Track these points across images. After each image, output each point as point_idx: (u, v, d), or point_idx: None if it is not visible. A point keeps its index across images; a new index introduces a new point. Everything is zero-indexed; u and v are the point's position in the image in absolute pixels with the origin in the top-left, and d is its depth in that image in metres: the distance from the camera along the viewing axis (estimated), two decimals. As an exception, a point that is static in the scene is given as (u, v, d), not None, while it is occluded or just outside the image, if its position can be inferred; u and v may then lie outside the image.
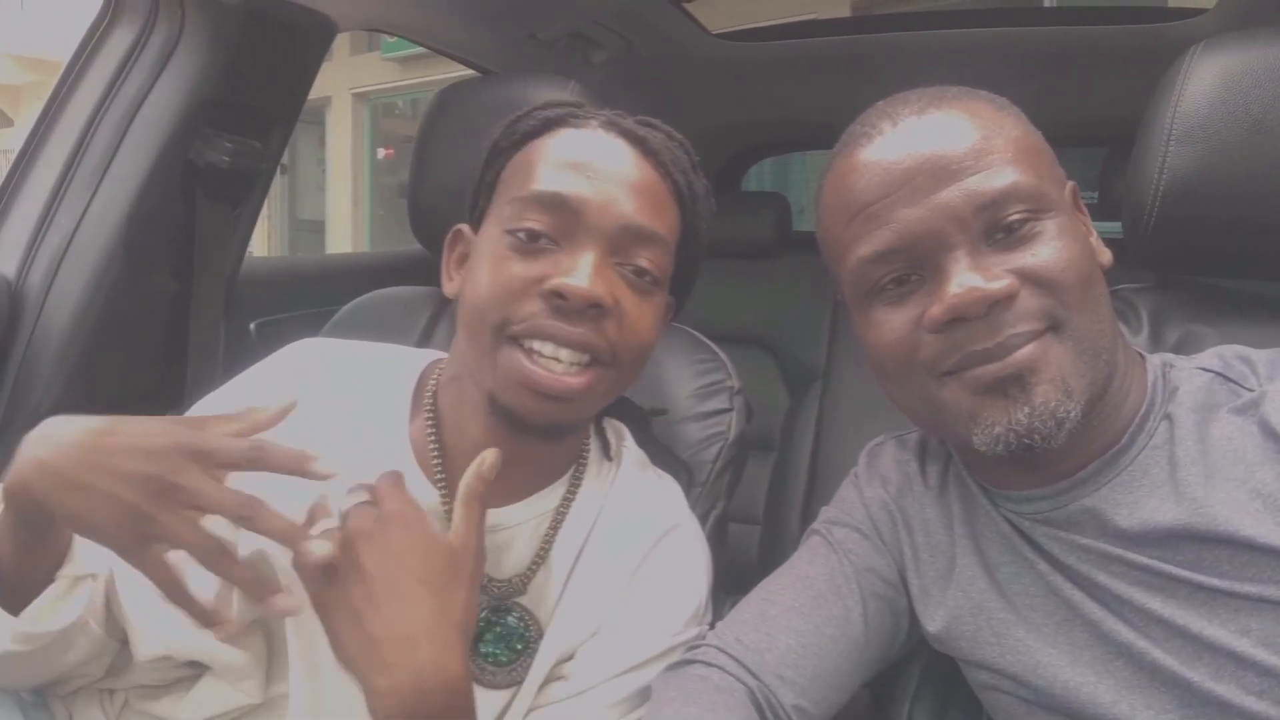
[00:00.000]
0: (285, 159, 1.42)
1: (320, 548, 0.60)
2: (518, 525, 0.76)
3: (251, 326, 1.36)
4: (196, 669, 0.75)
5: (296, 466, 0.60)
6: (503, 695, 0.74)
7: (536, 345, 0.68)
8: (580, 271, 0.67)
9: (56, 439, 0.60)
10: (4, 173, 1.14)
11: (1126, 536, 0.66)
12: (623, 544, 0.77)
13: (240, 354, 1.21)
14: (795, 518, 1.79)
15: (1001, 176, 0.64)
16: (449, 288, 0.79)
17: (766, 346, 2.04)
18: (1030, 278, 0.63)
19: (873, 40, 1.88)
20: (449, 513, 0.74)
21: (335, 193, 11.41)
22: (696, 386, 1.01)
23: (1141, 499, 0.66)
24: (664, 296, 0.76)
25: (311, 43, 1.29)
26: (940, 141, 0.65)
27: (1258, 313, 0.87)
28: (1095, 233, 0.71)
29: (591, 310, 0.67)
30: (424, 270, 1.12)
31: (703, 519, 0.90)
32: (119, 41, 1.14)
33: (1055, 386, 0.63)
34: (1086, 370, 0.64)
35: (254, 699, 0.75)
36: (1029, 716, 0.73)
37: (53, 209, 1.10)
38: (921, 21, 1.88)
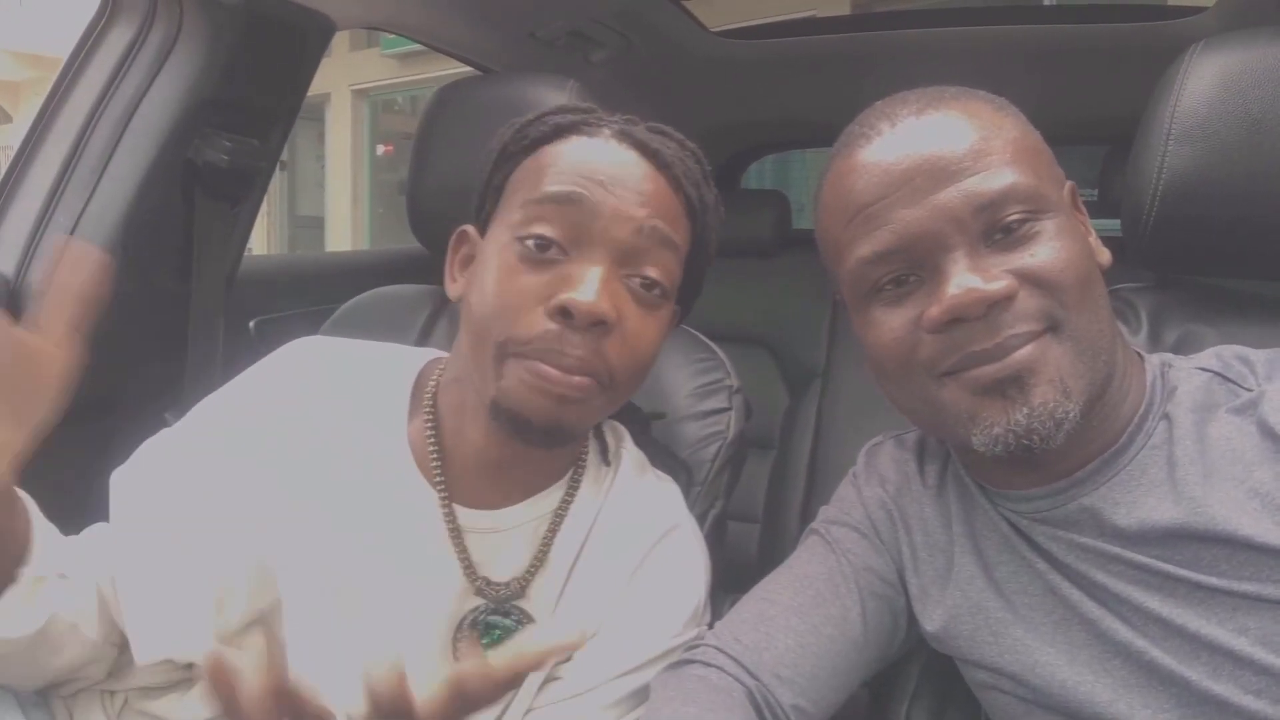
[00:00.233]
0: (284, 156, 1.42)
1: None
2: (516, 527, 0.76)
3: (251, 324, 1.36)
4: (197, 670, 0.75)
5: None
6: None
7: (541, 369, 0.67)
8: (587, 285, 0.66)
9: None
10: (3, 170, 1.14)
11: (1125, 535, 0.67)
12: (622, 546, 0.77)
13: (240, 352, 1.21)
14: (794, 517, 1.79)
15: (1000, 177, 0.64)
16: (452, 289, 0.78)
17: (766, 345, 2.04)
18: (1029, 278, 0.63)
19: (872, 38, 1.88)
20: (448, 514, 0.74)
21: (334, 189, 11.40)
22: (695, 385, 1.01)
23: (1140, 498, 0.67)
24: (670, 308, 0.76)
25: (310, 41, 1.28)
26: (939, 142, 0.65)
27: (1257, 313, 0.87)
28: (1094, 233, 0.71)
29: (596, 327, 0.67)
30: (423, 268, 1.13)
31: (701, 518, 0.90)
32: (117, 39, 1.14)
33: (1054, 387, 0.63)
34: (1085, 371, 0.64)
35: None
36: (1027, 715, 0.73)
37: (51, 207, 1.10)
38: (921, 19, 1.88)
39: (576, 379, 0.68)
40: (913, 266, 0.66)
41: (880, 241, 0.66)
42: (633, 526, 0.78)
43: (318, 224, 11.72)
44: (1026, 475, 0.71)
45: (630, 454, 0.84)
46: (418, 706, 0.51)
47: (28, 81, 11.45)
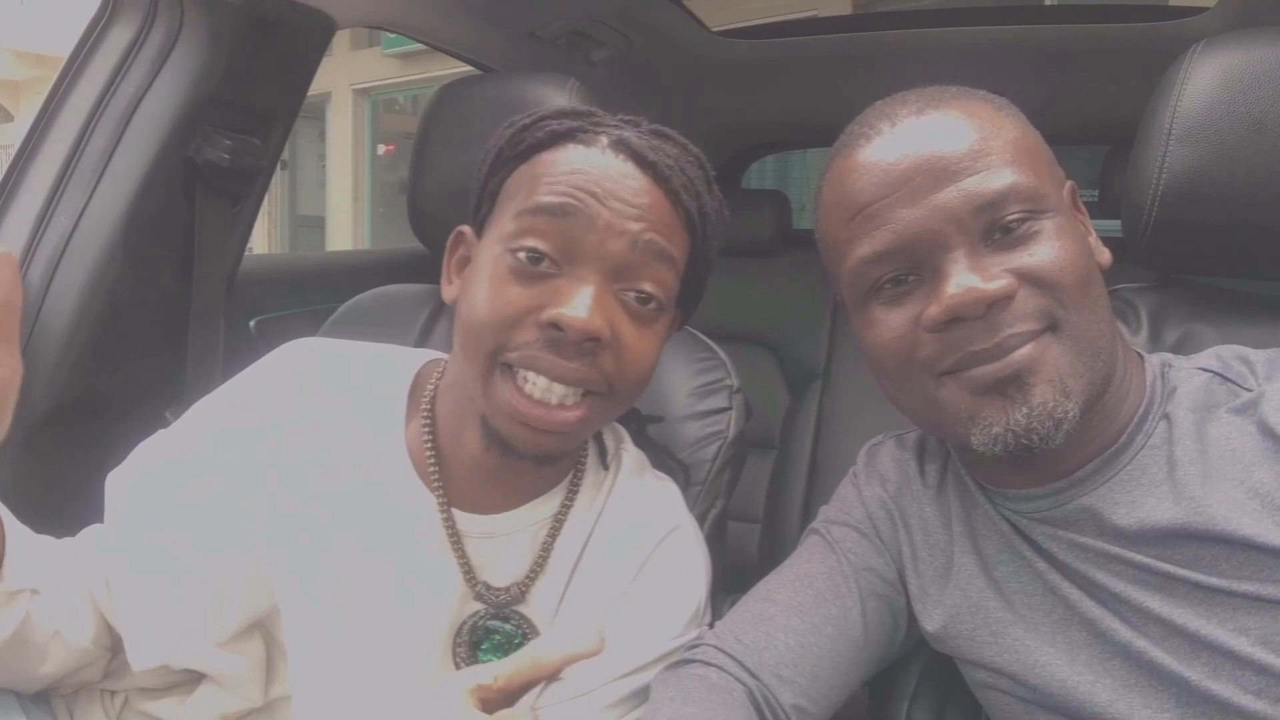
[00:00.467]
0: (285, 155, 1.42)
1: None
2: (515, 532, 0.76)
3: (251, 324, 1.36)
4: (197, 673, 0.75)
5: None
6: None
7: (531, 377, 0.67)
8: (579, 303, 0.65)
9: None
10: (4, 169, 1.14)
11: (1125, 535, 0.67)
12: (622, 548, 0.77)
13: (240, 351, 1.21)
14: (795, 516, 1.79)
15: (1000, 177, 0.64)
16: (448, 292, 0.78)
17: (766, 345, 2.04)
18: (1028, 278, 0.63)
19: (872, 38, 1.88)
20: (446, 519, 0.74)
21: (335, 189, 11.39)
22: (696, 385, 1.01)
23: (1140, 498, 0.67)
24: (668, 320, 0.75)
25: (311, 40, 1.28)
26: (938, 142, 0.65)
27: (1257, 313, 0.87)
28: (1094, 232, 0.72)
29: (589, 344, 0.66)
30: (423, 267, 1.12)
31: (701, 518, 0.90)
32: (118, 38, 1.14)
33: (1053, 387, 0.63)
34: (1084, 370, 0.64)
35: (254, 703, 0.75)
36: (1027, 715, 0.73)
37: (52, 206, 1.10)
38: (922, 20, 1.88)
39: (559, 416, 0.67)
40: (912, 266, 0.66)
41: (880, 241, 0.66)
42: (633, 529, 0.78)
43: (318, 223, 11.72)
44: (1026, 475, 0.71)
45: (630, 455, 0.84)
46: None
47: (29, 80, 11.45)
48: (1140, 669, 0.66)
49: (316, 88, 1.37)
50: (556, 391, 0.67)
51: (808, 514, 1.79)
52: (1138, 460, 0.68)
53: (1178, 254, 0.88)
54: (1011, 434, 0.63)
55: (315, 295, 1.46)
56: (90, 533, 0.77)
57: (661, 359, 0.75)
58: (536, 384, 0.67)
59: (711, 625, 0.79)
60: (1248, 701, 0.61)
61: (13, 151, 1.14)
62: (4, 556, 0.67)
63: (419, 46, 1.70)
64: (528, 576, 0.76)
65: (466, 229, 0.78)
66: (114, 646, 0.76)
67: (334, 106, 11.19)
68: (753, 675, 0.72)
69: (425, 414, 0.76)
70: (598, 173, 0.69)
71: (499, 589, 0.75)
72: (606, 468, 0.82)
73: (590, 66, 1.75)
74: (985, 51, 1.80)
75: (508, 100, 1.05)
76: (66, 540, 0.76)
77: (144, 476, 0.74)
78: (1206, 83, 0.81)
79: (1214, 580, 0.63)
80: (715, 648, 0.73)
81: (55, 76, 1.15)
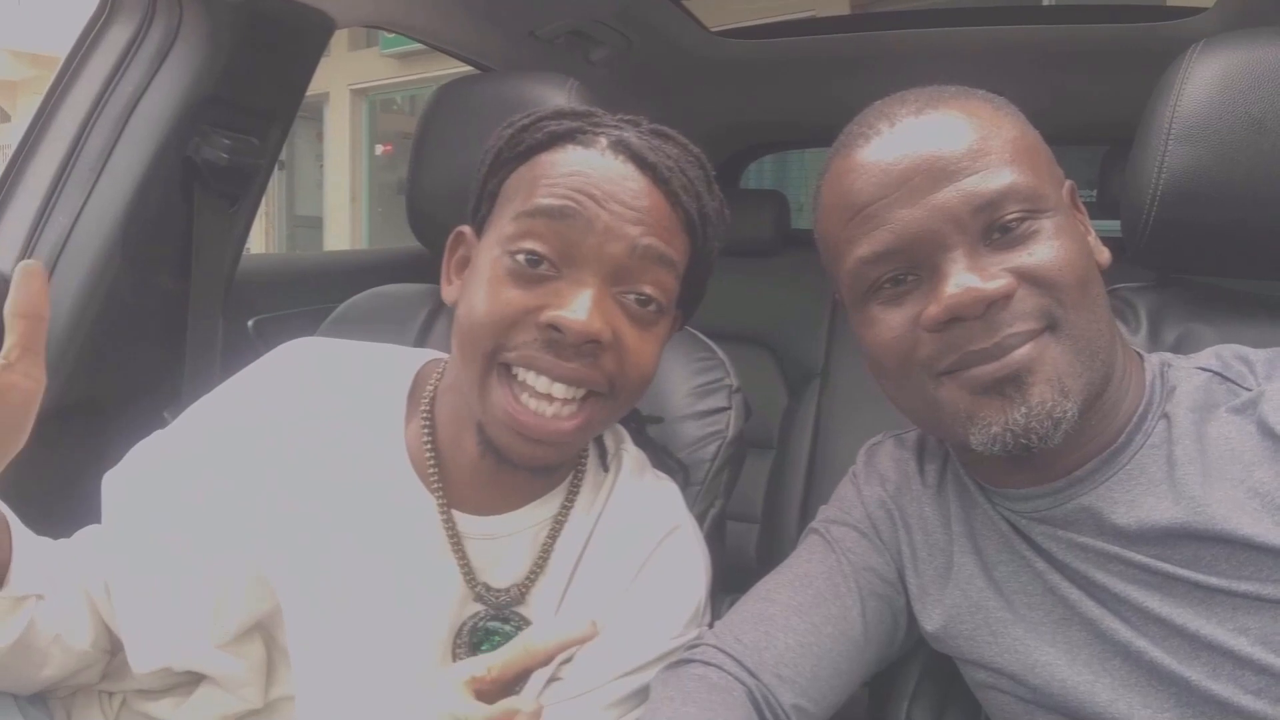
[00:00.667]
0: (283, 155, 1.41)
1: None
2: (515, 533, 0.76)
3: (249, 324, 1.36)
4: (196, 675, 0.75)
5: None
6: None
7: (530, 379, 0.66)
8: (578, 305, 0.65)
9: None
10: (2, 169, 1.14)
11: (1124, 535, 0.67)
12: (622, 549, 0.77)
13: (238, 351, 1.21)
14: (793, 516, 1.79)
15: (999, 177, 0.63)
16: (447, 293, 0.77)
17: (765, 344, 2.04)
18: (1028, 277, 0.63)
19: (871, 38, 1.88)
20: (446, 520, 0.74)
21: (333, 189, 11.39)
22: (695, 385, 1.01)
23: (1139, 497, 0.67)
24: (668, 321, 0.74)
25: (309, 39, 1.28)
26: (937, 142, 0.65)
27: (1256, 312, 0.87)
28: (1094, 232, 0.72)
29: (588, 346, 0.66)
30: (422, 267, 1.12)
31: (700, 517, 0.90)
32: (116, 37, 1.14)
33: (1052, 386, 0.63)
34: (1083, 370, 0.64)
35: (254, 704, 0.75)
36: (1027, 715, 0.73)
37: (50, 206, 1.09)
38: (920, 20, 1.88)
39: (554, 425, 0.67)
40: (911, 266, 0.66)
41: (879, 241, 0.66)
42: (633, 529, 0.78)
43: (316, 224, 11.72)
44: (1025, 474, 0.71)
45: (630, 455, 0.84)
46: None
47: (26, 80, 11.43)
48: (1140, 669, 0.66)
49: (314, 88, 1.37)
50: (557, 391, 0.67)
51: (806, 514, 1.79)
52: (1137, 460, 0.68)
53: (1177, 254, 0.88)
54: (1010, 433, 0.63)
55: (313, 295, 1.46)
56: (87, 534, 0.77)
57: (661, 359, 0.75)
58: (536, 384, 0.67)
59: (711, 625, 0.78)
60: (1247, 701, 0.61)
61: (10, 151, 1.14)
62: (10, 562, 0.67)
63: (417, 46, 1.70)
64: (528, 578, 0.76)
65: (466, 229, 0.78)
66: (113, 649, 0.76)
67: (332, 106, 11.19)
68: (753, 675, 0.71)
69: (425, 415, 0.76)
70: (597, 174, 0.68)
71: (499, 590, 0.75)
72: (607, 469, 0.82)
73: (589, 66, 1.75)
74: (984, 51, 1.80)
75: (507, 100, 1.05)
76: (63, 542, 0.76)
77: (141, 477, 0.73)
78: (1206, 83, 0.81)
79: (1213, 580, 0.63)
80: (715, 647, 0.73)
81: (53, 76, 1.14)
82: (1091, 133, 2.02)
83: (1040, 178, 0.66)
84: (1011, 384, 0.63)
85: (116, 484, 0.74)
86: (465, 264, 0.76)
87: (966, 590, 0.75)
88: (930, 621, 0.77)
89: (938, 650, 0.80)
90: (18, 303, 0.55)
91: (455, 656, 0.75)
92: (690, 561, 0.79)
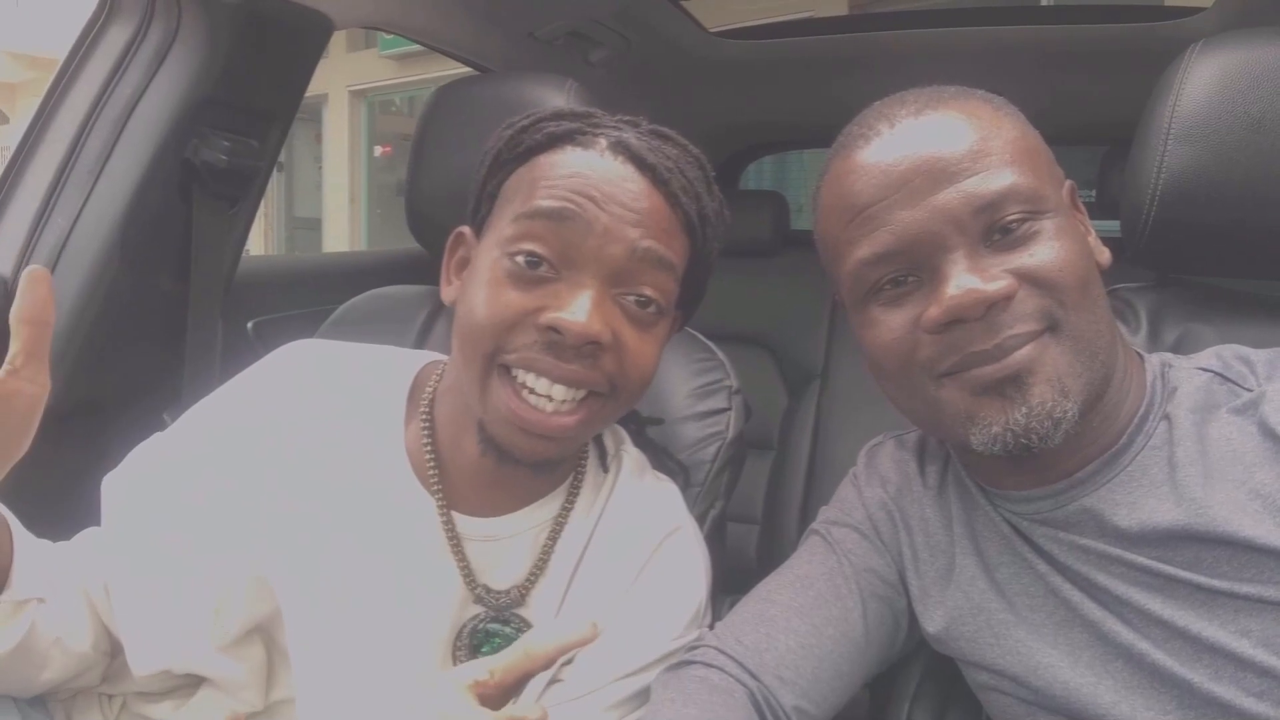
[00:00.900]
0: (282, 157, 1.41)
1: None
2: (515, 535, 0.76)
3: (249, 325, 1.36)
4: (196, 678, 0.75)
5: None
6: None
7: (530, 380, 0.66)
8: (578, 307, 0.65)
9: None
10: (1, 170, 1.14)
11: (1126, 537, 0.66)
12: (622, 550, 0.77)
13: (238, 353, 1.21)
14: (794, 517, 1.79)
15: (999, 178, 0.63)
16: (447, 293, 0.77)
17: (765, 345, 2.04)
18: (1028, 278, 0.63)
19: (870, 38, 1.88)
20: (446, 522, 0.74)
21: (332, 190, 11.39)
22: (695, 386, 1.01)
23: (1140, 499, 0.66)
24: (668, 322, 0.74)
25: (308, 40, 1.28)
26: (937, 143, 0.65)
27: (1256, 312, 0.87)
28: (1094, 232, 0.71)
29: (588, 347, 0.66)
30: (421, 268, 1.12)
31: (701, 518, 0.90)
32: (115, 39, 1.14)
33: (1052, 387, 0.63)
34: (1084, 370, 0.64)
35: (254, 707, 0.75)
36: (1029, 717, 0.73)
37: (49, 208, 1.09)
38: (918, 20, 1.88)
39: (556, 421, 0.67)
40: (912, 267, 0.66)
41: (879, 243, 0.66)
42: (633, 530, 0.78)
43: (315, 225, 11.72)
44: (1026, 476, 0.71)
45: (630, 456, 0.84)
46: None
47: (25, 82, 11.43)
48: (1142, 671, 0.65)
49: (313, 89, 1.37)
50: (556, 393, 0.67)
51: (806, 515, 1.78)
52: (1138, 461, 0.68)
53: (1176, 254, 0.88)
54: (1010, 434, 0.63)
55: (312, 297, 1.45)
56: (86, 536, 0.76)
57: (660, 359, 0.75)
58: (536, 385, 0.66)
59: (711, 626, 0.78)
60: (1250, 704, 0.61)
61: (9, 153, 1.14)
62: (11, 565, 0.67)
63: (416, 48, 1.70)
64: (528, 579, 0.75)
65: (466, 230, 0.78)
66: (113, 651, 0.75)
67: (330, 108, 11.19)
68: (754, 676, 0.71)
69: (424, 417, 0.76)
70: (596, 176, 0.68)
71: (499, 592, 0.75)
72: (607, 470, 0.82)
73: (588, 67, 1.75)
74: (983, 52, 1.80)
75: (506, 101, 1.05)
76: (64, 544, 0.75)
77: (141, 479, 0.73)
78: (1205, 83, 0.81)
79: (1216, 582, 0.63)
80: (716, 649, 0.73)
81: (51, 78, 1.14)
82: (1091, 133, 2.02)
83: (1040, 178, 0.66)
84: (1012, 384, 0.63)
85: (116, 486, 0.74)
86: (465, 265, 0.76)
87: (968, 592, 0.75)
88: (932, 623, 0.77)
89: (939, 652, 0.80)
90: (23, 308, 0.55)
91: (455, 659, 0.75)
92: (691, 563, 0.79)
